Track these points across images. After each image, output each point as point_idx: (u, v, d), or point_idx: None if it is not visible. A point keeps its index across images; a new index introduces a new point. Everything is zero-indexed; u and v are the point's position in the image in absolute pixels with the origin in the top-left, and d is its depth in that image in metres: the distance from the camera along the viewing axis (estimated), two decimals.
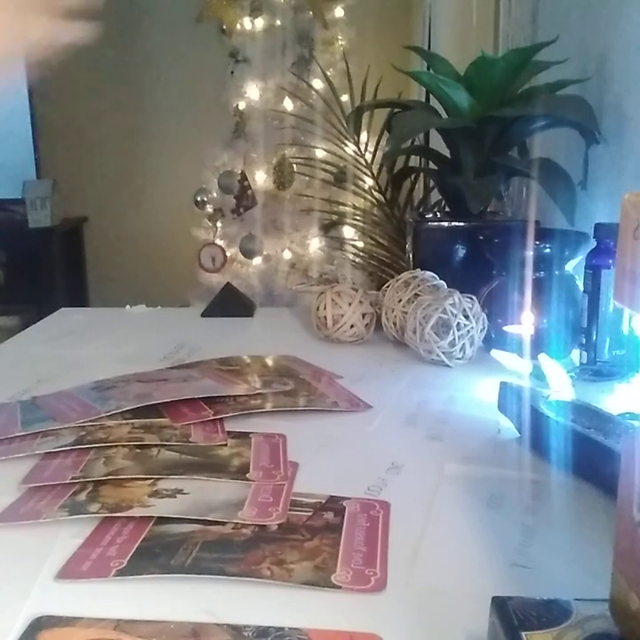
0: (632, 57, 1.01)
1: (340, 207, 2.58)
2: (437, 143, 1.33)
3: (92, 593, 0.47)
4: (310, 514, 0.56)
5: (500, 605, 0.39)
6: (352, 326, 1.06)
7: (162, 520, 0.55)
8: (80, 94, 3.48)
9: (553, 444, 0.66)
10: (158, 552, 0.51)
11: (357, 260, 2.43)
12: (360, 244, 2.49)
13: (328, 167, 2.61)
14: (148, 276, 3.48)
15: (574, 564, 0.51)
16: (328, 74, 2.62)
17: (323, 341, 1.09)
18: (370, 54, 2.80)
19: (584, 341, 0.92)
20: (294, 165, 2.84)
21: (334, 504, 0.58)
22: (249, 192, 2.87)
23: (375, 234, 2.32)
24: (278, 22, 2.89)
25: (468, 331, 0.93)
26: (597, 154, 1.10)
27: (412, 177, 2.04)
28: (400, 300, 1.04)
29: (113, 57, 3.46)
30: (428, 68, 1.32)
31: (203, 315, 1.27)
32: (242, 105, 2.93)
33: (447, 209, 1.34)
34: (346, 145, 2.34)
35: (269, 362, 0.97)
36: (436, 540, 0.54)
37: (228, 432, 0.72)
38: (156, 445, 0.68)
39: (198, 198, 2.97)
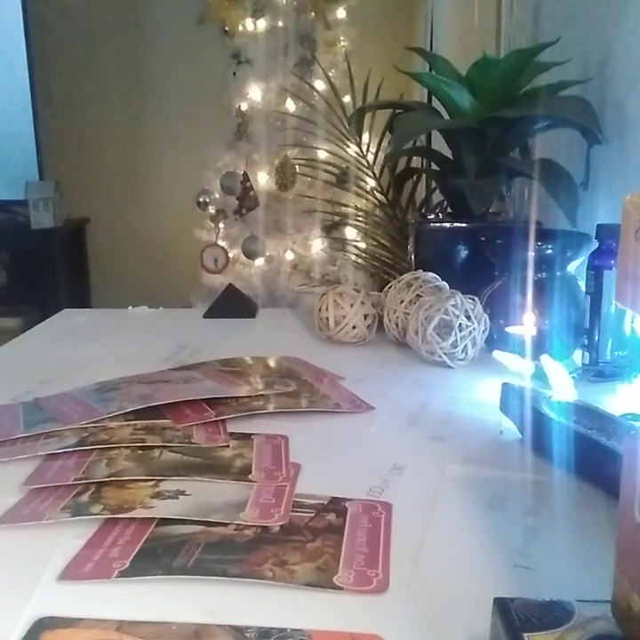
0: (633, 57, 1.01)
1: (342, 208, 2.58)
2: (439, 144, 1.32)
3: (95, 594, 0.47)
4: (312, 515, 0.56)
5: (502, 606, 0.39)
6: (354, 327, 1.06)
7: (164, 521, 0.55)
8: (82, 95, 3.49)
9: (555, 445, 0.65)
10: (160, 553, 0.51)
11: (359, 260, 2.42)
12: (362, 245, 2.49)
13: (330, 168, 2.61)
14: (151, 277, 3.48)
15: (576, 565, 0.51)
16: (330, 75, 2.62)
17: (325, 342, 1.09)
18: (372, 55, 2.80)
19: (586, 342, 0.92)
20: (296, 166, 2.84)
21: (336, 505, 0.58)
22: (251, 193, 2.87)
23: (377, 235, 2.31)
24: (280, 23, 2.89)
25: (470, 332, 0.93)
26: (599, 154, 1.10)
27: (414, 178, 2.04)
28: (402, 301, 1.04)
29: (115, 58, 3.47)
30: (430, 69, 1.32)
31: (205, 316, 1.27)
32: (244, 106, 2.93)
33: (449, 210, 1.34)
34: (348, 146, 2.33)
35: (271, 363, 0.97)
36: (438, 541, 0.54)
37: (230, 433, 0.72)
38: (158, 447, 0.68)
39: (200, 199, 2.97)
